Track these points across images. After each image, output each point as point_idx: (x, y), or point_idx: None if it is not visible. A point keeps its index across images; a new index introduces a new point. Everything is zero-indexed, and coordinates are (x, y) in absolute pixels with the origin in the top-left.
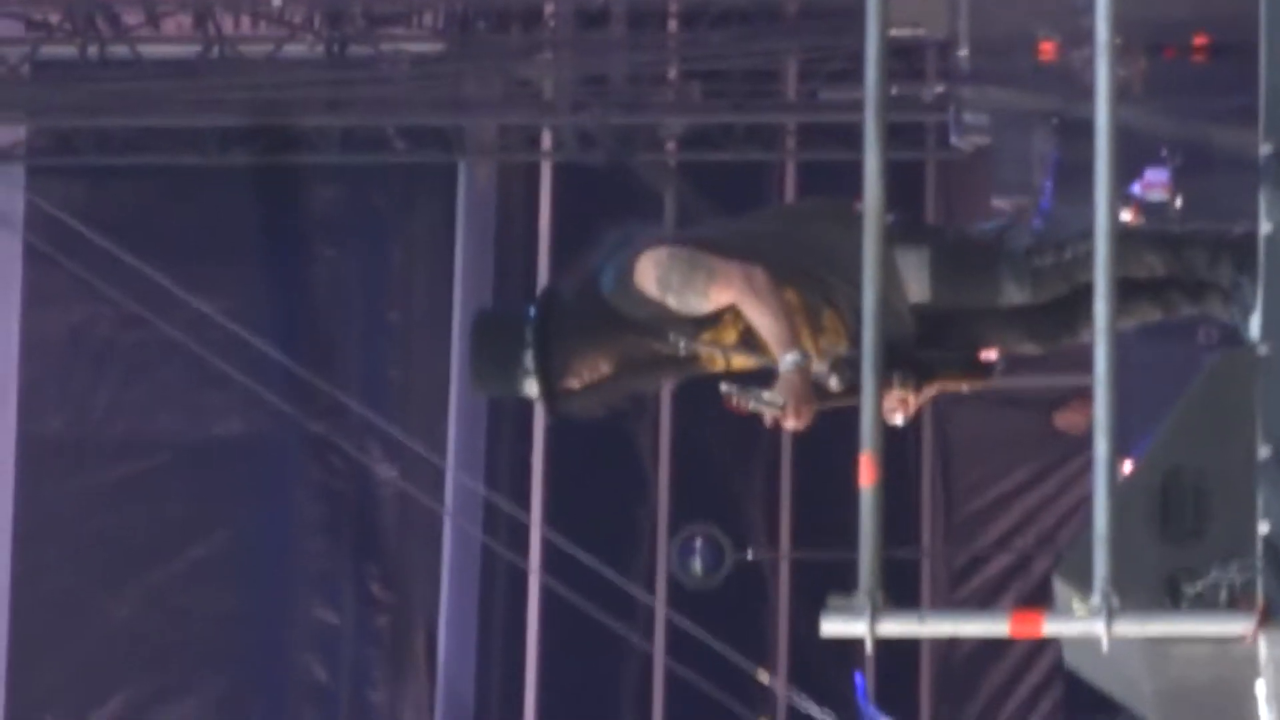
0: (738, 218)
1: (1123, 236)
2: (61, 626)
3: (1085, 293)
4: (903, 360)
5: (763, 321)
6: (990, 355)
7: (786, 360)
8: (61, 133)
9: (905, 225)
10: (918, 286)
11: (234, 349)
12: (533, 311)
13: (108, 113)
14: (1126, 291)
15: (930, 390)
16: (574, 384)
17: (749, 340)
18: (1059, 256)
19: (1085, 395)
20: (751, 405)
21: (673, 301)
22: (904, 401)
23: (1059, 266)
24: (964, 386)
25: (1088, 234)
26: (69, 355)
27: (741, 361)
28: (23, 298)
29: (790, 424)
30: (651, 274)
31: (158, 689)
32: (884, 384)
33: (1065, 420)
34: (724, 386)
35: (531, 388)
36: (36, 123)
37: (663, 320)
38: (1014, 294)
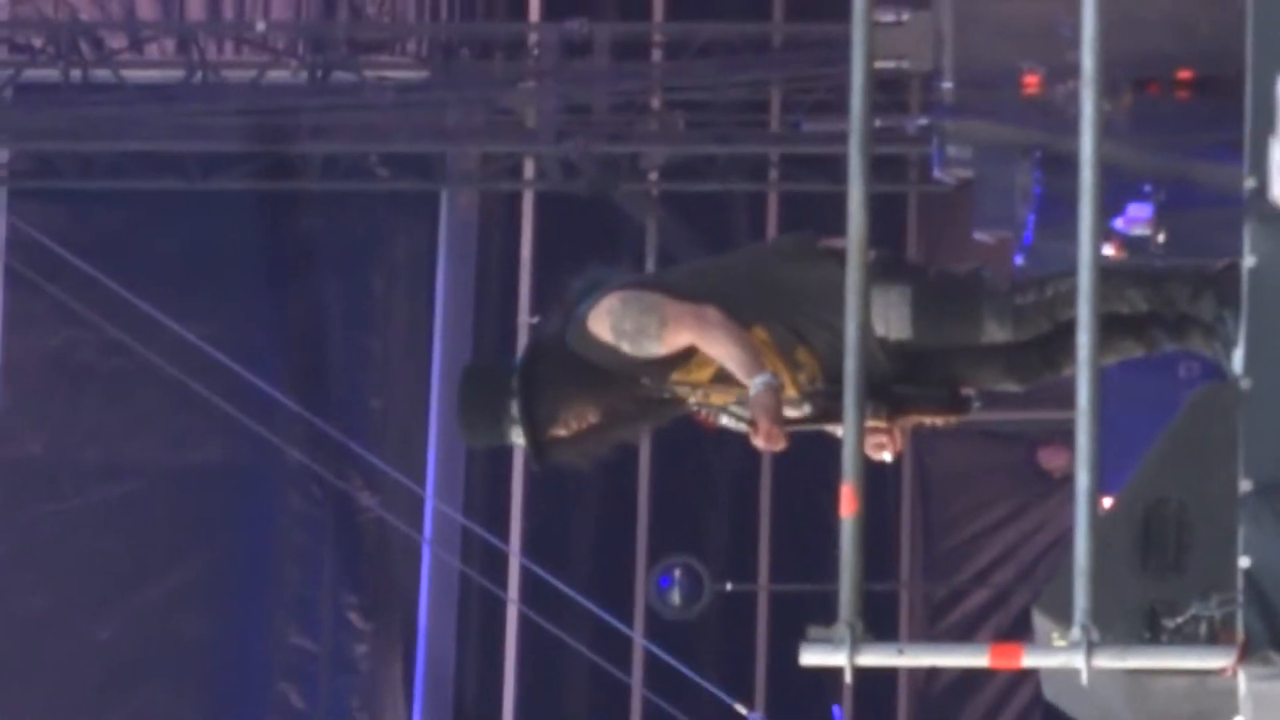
0: (706, 260)
1: (1105, 272)
2: (39, 651)
3: (1066, 330)
4: (874, 393)
5: (725, 353)
6: (966, 391)
7: (756, 383)
8: (44, 156)
9: (886, 262)
10: (899, 323)
11: (214, 375)
12: (520, 359)
13: (90, 137)
14: (1108, 328)
15: (906, 422)
16: (561, 433)
17: (723, 376)
18: (1041, 294)
19: (1066, 436)
20: (722, 421)
21: (627, 347)
22: (890, 435)
23: (1040, 304)
24: (940, 422)
25: (1069, 271)
26: (48, 379)
27: (720, 398)
28: (3, 321)
29: (760, 443)
30: (605, 321)
31: (134, 715)
32: None
33: (1049, 460)
34: (693, 402)
35: (518, 436)
36: (19, 146)
37: (631, 366)
38: (995, 332)
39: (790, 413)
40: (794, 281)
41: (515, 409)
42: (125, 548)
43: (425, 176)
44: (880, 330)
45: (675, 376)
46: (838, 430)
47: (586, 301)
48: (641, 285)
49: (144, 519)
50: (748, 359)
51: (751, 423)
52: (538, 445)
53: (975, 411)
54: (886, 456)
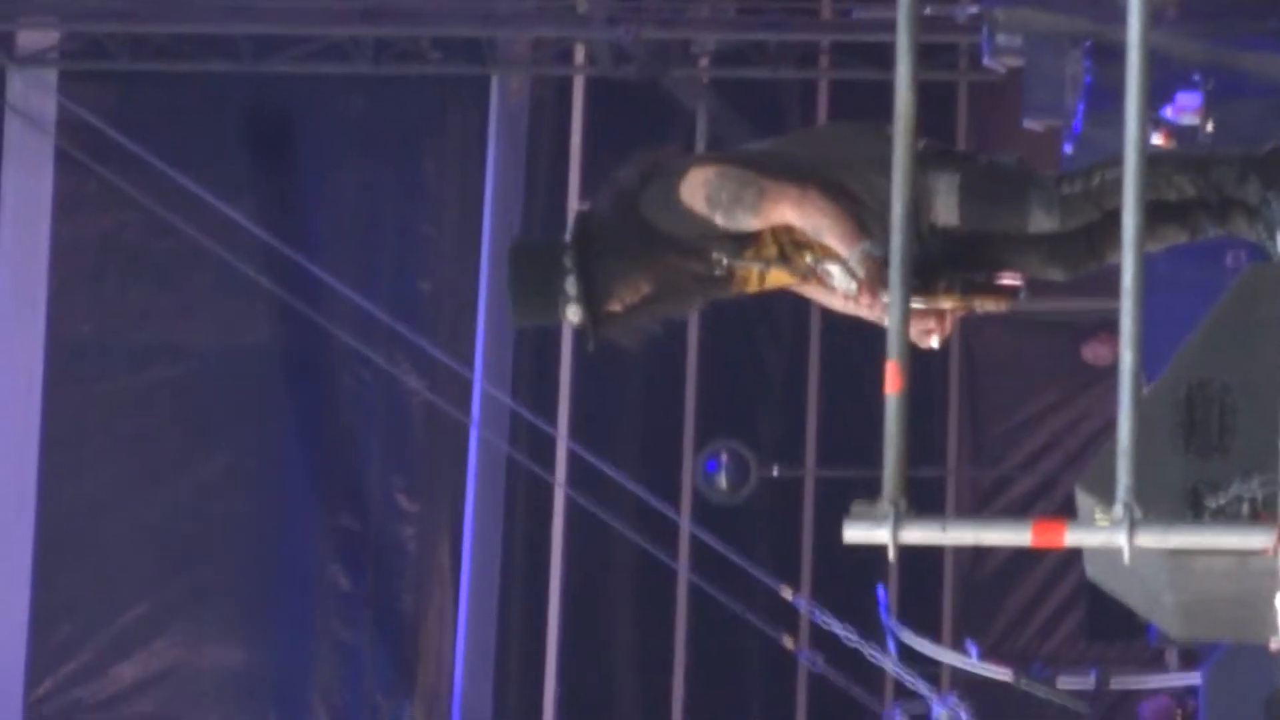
0: (769, 140)
1: (1152, 160)
2: (88, 531)
3: (1112, 219)
4: (938, 273)
5: (825, 224)
6: (1016, 278)
7: (858, 251)
8: (95, 37)
9: (937, 150)
10: (946, 210)
11: (265, 258)
12: (569, 236)
13: (141, 18)
14: (1154, 215)
15: (966, 304)
16: (616, 307)
17: (785, 256)
18: (1088, 183)
19: (1112, 328)
20: (832, 278)
21: (720, 219)
22: (940, 319)
23: (1088, 193)
24: (991, 306)
25: (1117, 159)
26: (99, 261)
27: (777, 277)
28: (54, 203)
29: (864, 301)
30: (700, 191)
31: (183, 595)
32: (929, 291)
33: (1092, 352)
34: (807, 260)
35: (575, 314)
36: (69, 27)
37: (706, 238)
38: (1043, 221)
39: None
40: (860, 164)
41: (570, 287)
42: (175, 429)
43: (476, 61)
44: (929, 216)
45: (749, 253)
46: (925, 319)
47: (663, 172)
48: (724, 159)
49: (194, 401)
50: (848, 229)
51: (858, 286)
52: (596, 321)
53: (1023, 301)
54: (934, 342)
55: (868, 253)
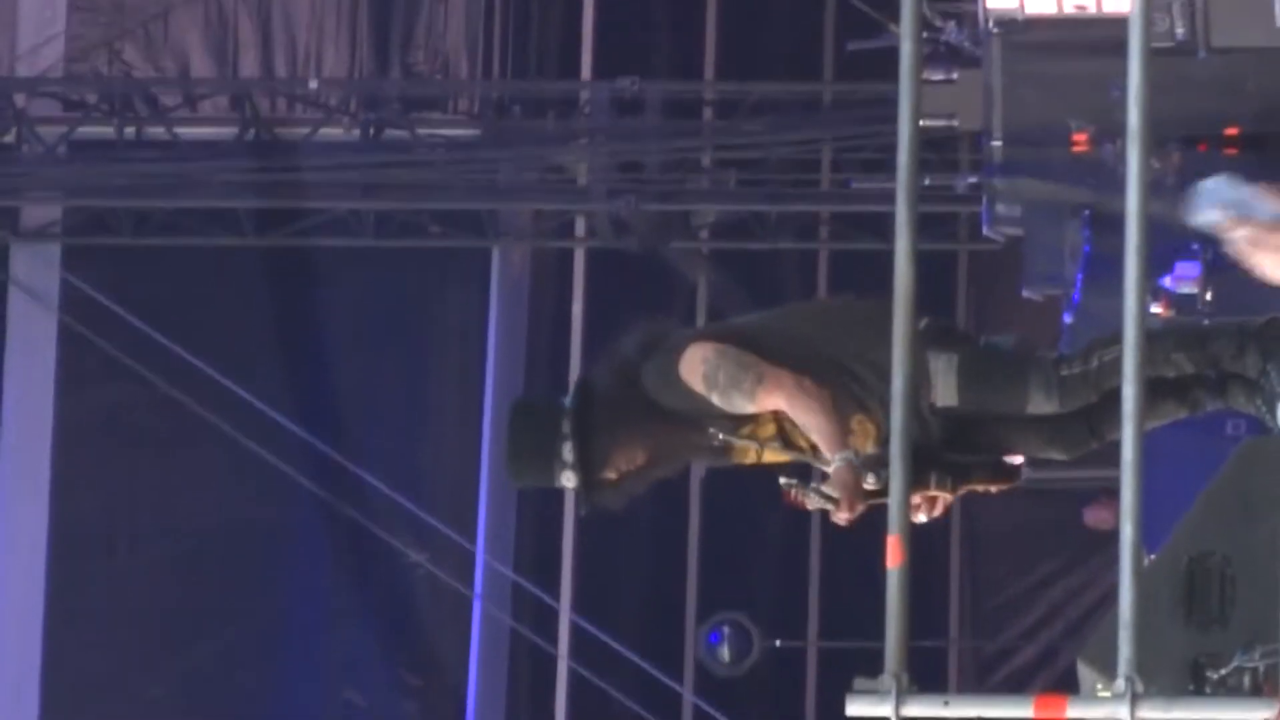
0: (770, 312)
1: (1151, 337)
2: (93, 709)
3: (1111, 399)
4: (933, 462)
5: (813, 423)
6: (1016, 459)
7: (838, 459)
8: (97, 213)
9: (937, 329)
10: (945, 390)
11: (267, 432)
12: (569, 402)
13: (144, 193)
14: (1153, 392)
15: (961, 491)
16: (611, 475)
17: (784, 436)
18: (1086, 365)
19: (1113, 492)
20: (810, 500)
21: (717, 399)
22: (931, 501)
23: (1086, 376)
24: (992, 489)
25: (1114, 338)
26: (102, 436)
27: (774, 456)
28: (57, 378)
29: (842, 517)
30: (698, 370)
31: None
32: (921, 483)
33: (1094, 517)
34: (783, 481)
35: (569, 480)
36: (73, 202)
37: (702, 413)
38: (1042, 404)
39: (868, 481)
40: (866, 340)
41: (568, 453)
42: (179, 605)
43: (477, 233)
44: (929, 396)
45: (745, 430)
46: (913, 498)
47: (663, 347)
48: (728, 337)
49: (197, 576)
50: (834, 433)
51: (835, 501)
52: (590, 488)
53: (1022, 480)
54: (921, 517)
55: (848, 461)
